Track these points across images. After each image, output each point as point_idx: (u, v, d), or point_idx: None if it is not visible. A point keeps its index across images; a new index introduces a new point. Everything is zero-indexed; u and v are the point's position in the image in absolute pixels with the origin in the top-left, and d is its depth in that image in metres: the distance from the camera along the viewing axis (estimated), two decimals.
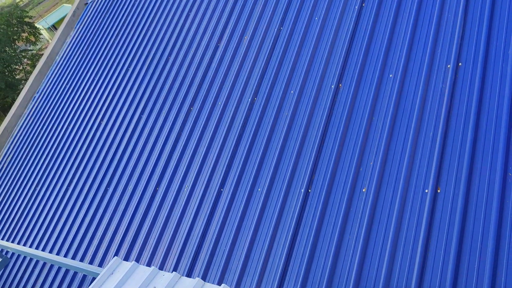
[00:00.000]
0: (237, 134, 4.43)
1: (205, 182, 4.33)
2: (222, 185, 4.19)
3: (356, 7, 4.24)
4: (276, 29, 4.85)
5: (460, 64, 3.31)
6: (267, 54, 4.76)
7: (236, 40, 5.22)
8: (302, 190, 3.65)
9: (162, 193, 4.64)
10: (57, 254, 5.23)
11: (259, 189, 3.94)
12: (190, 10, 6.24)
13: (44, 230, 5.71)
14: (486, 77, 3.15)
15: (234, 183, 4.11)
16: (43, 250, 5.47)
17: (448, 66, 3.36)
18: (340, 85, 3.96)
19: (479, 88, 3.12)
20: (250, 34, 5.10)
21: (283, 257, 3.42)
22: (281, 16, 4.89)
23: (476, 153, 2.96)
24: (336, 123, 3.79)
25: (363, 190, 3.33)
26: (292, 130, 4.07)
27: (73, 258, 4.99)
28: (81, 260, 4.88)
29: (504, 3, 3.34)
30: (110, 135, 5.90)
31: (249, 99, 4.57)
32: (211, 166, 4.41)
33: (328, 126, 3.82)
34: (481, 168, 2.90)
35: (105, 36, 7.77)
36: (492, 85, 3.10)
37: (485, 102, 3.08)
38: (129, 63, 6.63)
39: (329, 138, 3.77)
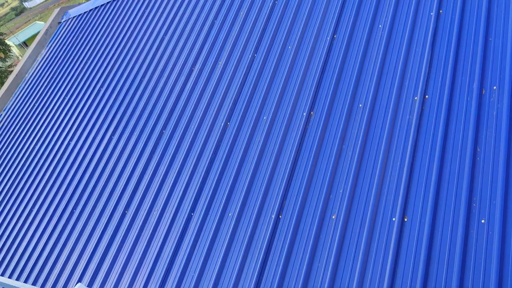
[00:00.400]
0: (209, 158, 4.43)
1: (175, 206, 4.28)
2: (193, 209, 4.15)
3: (328, 38, 4.37)
4: (250, 56, 4.93)
5: (427, 96, 3.44)
6: (241, 80, 4.82)
7: (211, 65, 5.27)
8: (273, 216, 3.66)
9: (130, 216, 4.55)
10: (17, 279, 5.01)
11: (230, 214, 3.92)
12: (165, 34, 6.28)
13: (4, 254, 5.48)
14: (452, 110, 3.28)
15: (204, 208, 4.08)
16: (2, 275, 5.24)
17: (415, 98, 3.48)
18: (312, 113, 4.03)
19: (445, 121, 3.24)
20: (224, 59, 5.16)
21: (253, 283, 3.39)
22: (255, 43, 4.98)
23: (442, 183, 3.05)
24: (307, 150, 3.85)
25: (333, 217, 3.37)
26: (264, 155, 4.10)
27: (34, 283, 4.80)
28: (43, 286, 4.69)
29: (468, 39, 3.52)
30: (79, 156, 5.79)
31: (222, 124, 4.59)
32: (182, 189, 4.37)
33: (300, 153, 3.87)
34: (446, 198, 2.99)
35: (77, 56, 7.70)
36: (457, 118, 3.23)
37: (450, 134, 3.20)
38: (101, 84, 6.57)
39: (300, 165, 3.81)
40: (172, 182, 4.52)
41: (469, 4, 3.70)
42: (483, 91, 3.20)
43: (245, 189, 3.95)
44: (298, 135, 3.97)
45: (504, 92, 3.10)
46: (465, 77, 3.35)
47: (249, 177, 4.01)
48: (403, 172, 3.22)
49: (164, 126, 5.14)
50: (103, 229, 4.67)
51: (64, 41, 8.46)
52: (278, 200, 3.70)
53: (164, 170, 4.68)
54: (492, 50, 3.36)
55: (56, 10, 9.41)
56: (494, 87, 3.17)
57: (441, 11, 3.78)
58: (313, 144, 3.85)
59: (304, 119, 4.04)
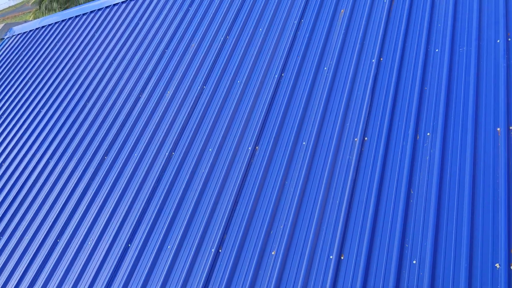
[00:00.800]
0: (151, 188, 4.34)
1: (112, 236, 4.12)
2: (130, 240, 4.02)
3: (276, 76, 4.50)
4: (199, 88, 4.96)
5: (366, 138, 3.60)
6: (188, 110, 4.81)
7: (159, 94, 5.23)
8: (213, 250, 3.61)
9: (63, 246, 4.33)
10: None
11: (168, 246, 3.83)
12: (114, 59, 6.19)
13: None
14: (388, 152, 3.45)
15: (143, 239, 3.96)
16: None
17: (356, 139, 3.63)
18: (257, 147, 4.09)
19: (382, 163, 3.39)
20: (173, 89, 5.15)
21: None
22: (205, 76, 5.02)
23: (377, 223, 3.16)
24: (251, 184, 3.87)
25: (273, 253, 3.38)
26: (207, 188, 4.08)
27: None
28: None
29: (406, 87, 3.74)
30: (11, 179, 5.48)
31: (167, 154, 4.54)
32: (121, 219, 4.23)
33: (243, 187, 3.89)
34: (381, 238, 3.09)
35: (19, 74, 7.39)
36: (393, 161, 3.39)
37: (386, 176, 3.35)
38: (43, 105, 6.33)
39: (243, 199, 3.82)
40: (110, 210, 4.37)
41: (407, 53, 3.96)
42: (418, 137, 3.40)
43: (186, 221, 3.88)
44: (243, 169, 4.00)
45: (437, 139, 3.30)
46: (401, 122, 3.54)
47: (191, 209, 3.95)
48: (341, 211, 3.31)
49: (107, 152, 5.00)
50: (31, 258, 4.40)
51: (6, 58, 8.12)
52: (219, 234, 3.67)
53: (103, 198, 4.52)
54: (427, 98, 3.59)
55: (0, 26, 9.05)
56: (428, 134, 3.37)
57: (381, 59, 4.02)
58: (256, 179, 3.88)
59: (249, 153, 4.08)
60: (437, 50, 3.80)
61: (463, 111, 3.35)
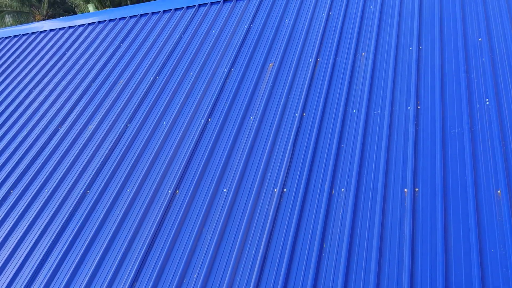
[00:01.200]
0: (60, 226, 4.07)
1: (6, 282, 3.77)
2: (29, 286, 3.70)
3: (203, 120, 4.52)
4: (123, 125, 4.84)
5: (285, 190, 3.68)
6: (110, 146, 4.66)
7: (79, 127, 5.03)
8: None
9: None
10: None
11: None
12: (34, 87, 5.90)
13: None
14: (305, 205, 3.54)
15: (44, 284, 3.66)
16: None
17: (275, 190, 3.70)
18: (177, 191, 4.02)
19: (298, 214, 3.47)
20: (95, 124, 4.98)
21: None
22: (130, 114, 4.92)
23: (290, 275, 3.19)
24: (168, 229, 3.77)
25: None
26: (121, 230, 3.90)
27: None
28: None
29: (325, 142, 3.91)
30: None
31: (81, 191, 4.32)
32: (20, 260, 3.90)
33: (159, 231, 3.77)
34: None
35: None
36: (309, 213, 3.48)
37: (302, 227, 3.42)
38: None
39: (158, 244, 3.69)
40: (11, 249, 4.01)
41: (328, 111, 4.17)
42: (333, 192, 3.54)
43: (94, 266, 3.66)
44: (161, 212, 3.89)
45: (350, 195, 3.46)
46: (319, 177, 3.68)
47: (101, 252, 3.74)
48: (256, 262, 3.31)
49: (14, 186, 4.65)
50: None
51: None
52: (128, 282, 3.49)
53: (3, 237, 4.16)
54: (343, 155, 3.78)
55: None
56: (342, 189, 3.53)
57: (304, 114, 4.20)
58: (174, 224, 3.79)
59: (168, 196, 4.00)
60: (354, 111, 4.05)
61: (375, 171, 3.56)
